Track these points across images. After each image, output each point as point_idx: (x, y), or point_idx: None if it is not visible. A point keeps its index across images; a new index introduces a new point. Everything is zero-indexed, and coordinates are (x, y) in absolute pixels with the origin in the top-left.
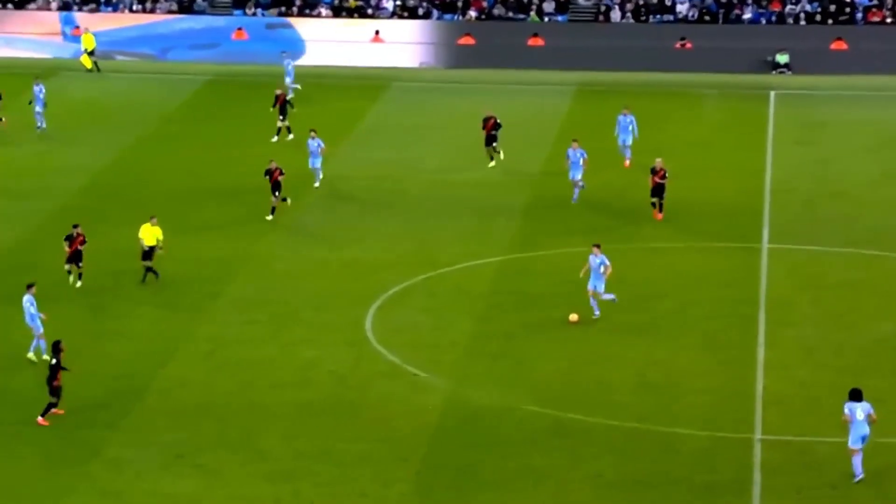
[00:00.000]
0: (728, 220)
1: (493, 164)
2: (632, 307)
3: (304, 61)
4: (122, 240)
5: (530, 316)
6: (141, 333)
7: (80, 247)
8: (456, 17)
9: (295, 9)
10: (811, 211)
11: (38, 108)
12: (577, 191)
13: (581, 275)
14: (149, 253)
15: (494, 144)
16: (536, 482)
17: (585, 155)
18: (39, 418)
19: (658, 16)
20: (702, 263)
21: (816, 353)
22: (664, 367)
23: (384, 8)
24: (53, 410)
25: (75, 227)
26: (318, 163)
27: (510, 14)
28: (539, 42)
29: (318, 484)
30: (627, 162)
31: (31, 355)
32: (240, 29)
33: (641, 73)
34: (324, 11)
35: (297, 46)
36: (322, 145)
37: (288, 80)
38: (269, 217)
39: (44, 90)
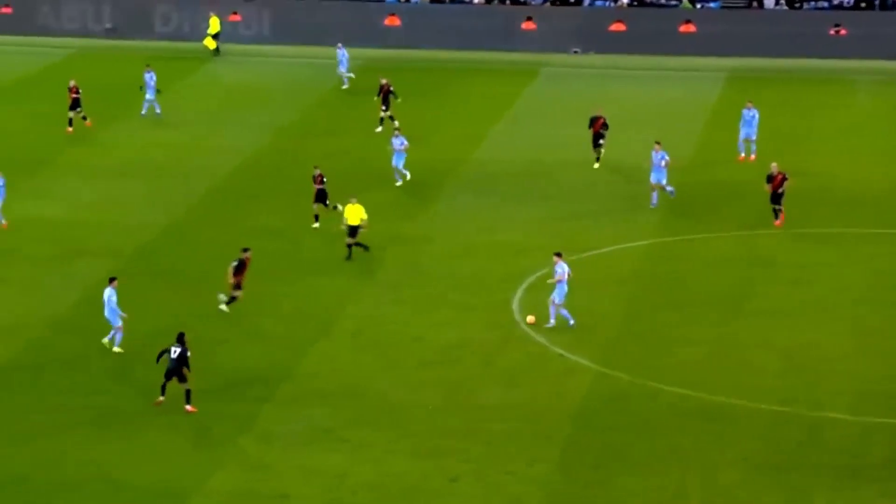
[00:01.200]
0: (881, 206)
1: (597, 165)
2: (780, 292)
3: (454, 46)
4: (272, 220)
5: (677, 299)
6: (291, 312)
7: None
8: (608, 3)
9: None
10: None
11: (148, 96)
12: (655, 194)
13: None
14: (354, 231)
15: (602, 142)
16: (682, 464)
17: (667, 157)
18: (187, 406)
19: (812, 2)
20: (852, 249)
21: None
22: (811, 351)
23: None
24: (161, 398)
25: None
26: (402, 162)
27: (662, 1)
28: (691, 28)
29: (463, 461)
30: (743, 156)
31: (115, 348)
32: (392, 15)
33: (794, 60)
34: None
35: (448, 32)
36: (405, 143)
37: (341, 69)
38: (316, 224)
39: (154, 77)
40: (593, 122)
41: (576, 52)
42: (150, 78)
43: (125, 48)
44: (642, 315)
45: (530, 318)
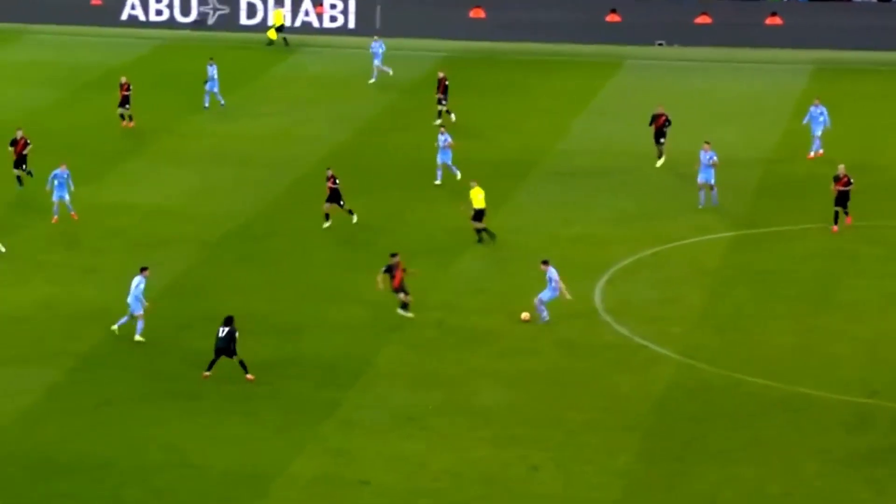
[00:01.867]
0: None
1: (661, 162)
2: (864, 284)
3: (539, 38)
4: (355, 209)
5: (760, 291)
6: (374, 301)
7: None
8: None
9: None
10: None
11: (211, 88)
12: (702, 193)
13: None
14: (479, 214)
15: (662, 141)
16: (763, 455)
17: (716, 157)
18: (247, 375)
19: None
20: None
21: None
22: None
23: None
24: (206, 373)
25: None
26: (449, 158)
27: None
28: (777, 21)
29: (544, 449)
30: (812, 153)
31: (115, 328)
32: (477, 7)
33: (883, 53)
34: None
35: (533, 24)
36: (449, 140)
37: (377, 62)
38: (327, 224)
39: (216, 70)
40: (655, 119)
41: (660, 44)
42: (213, 71)
43: (211, 39)
44: (725, 306)
45: (525, 315)
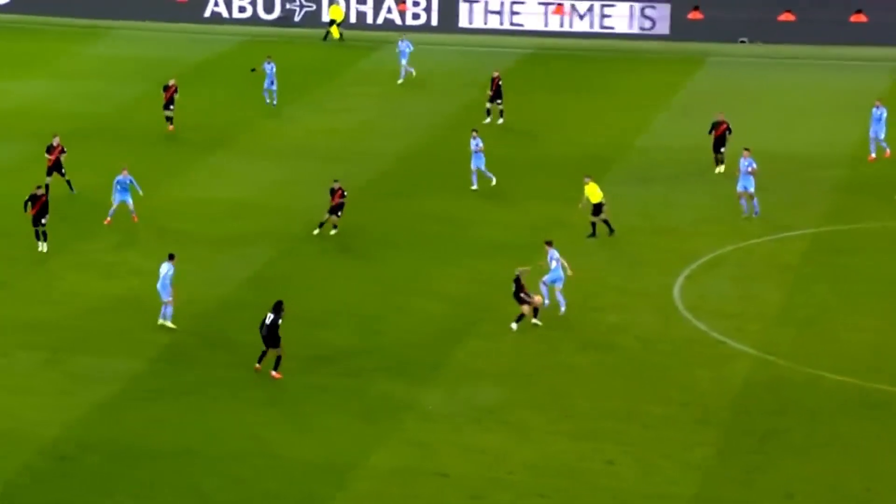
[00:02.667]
0: None
1: (720, 169)
2: None
3: (615, 32)
4: (437, 204)
5: (840, 288)
6: (455, 294)
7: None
8: None
9: None
10: None
11: (270, 86)
12: (743, 201)
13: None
14: (598, 208)
15: (723, 150)
16: (842, 451)
17: (755, 164)
18: (273, 372)
19: None
20: None
21: None
22: None
23: None
24: (257, 365)
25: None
26: (482, 163)
27: None
28: (862, 18)
29: (621, 443)
30: (873, 156)
31: (165, 322)
32: (559, 5)
33: None
34: None
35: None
36: (481, 144)
37: (403, 61)
38: (316, 231)
39: (274, 68)
40: (715, 126)
41: (743, 41)
42: (271, 68)
43: (296, 36)
44: (804, 302)
45: (537, 299)
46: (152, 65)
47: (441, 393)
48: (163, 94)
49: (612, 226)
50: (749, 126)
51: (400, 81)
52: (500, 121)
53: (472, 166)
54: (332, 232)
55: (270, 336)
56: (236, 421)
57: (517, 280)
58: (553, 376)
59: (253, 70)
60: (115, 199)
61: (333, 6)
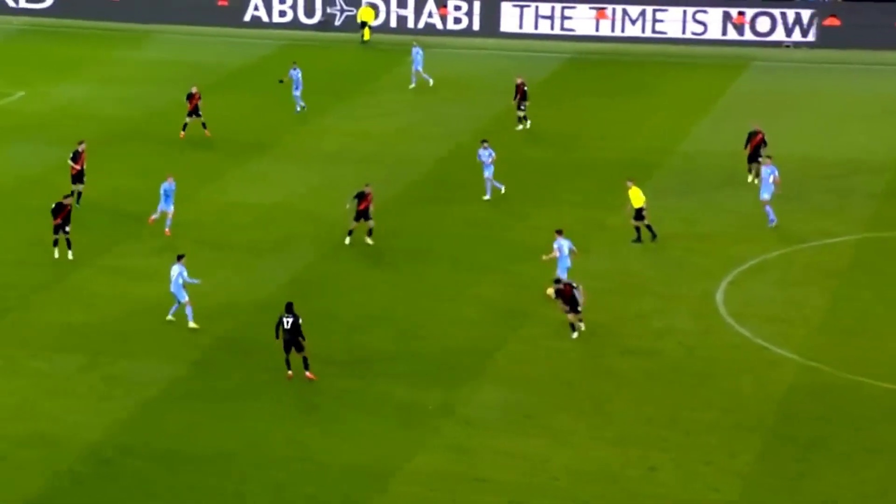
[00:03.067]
0: None
1: (752, 178)
2: None
3: (670, 36)
4: (475, 209)
5: (886, 294)
6: (494, 299)
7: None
8: None
9: None
10: None
11: (296, 91)
12: (769, 209)
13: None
14: (639, 213)
15: (760, 159)
16: (887, 459)
17: (776, 173)
18: (307, 373)
19: None
20: None
21: None
22: None
23: None
24: (289, 372)
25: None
26: (492, 173)
27: None
28: None
29: (664, 449)
30: None
31: (190, 323)
32: (602, 10)
33: None
34: None
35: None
36: (493, 155)
37: (417, 68)
38: (347, 241)
39: (300, 73)
40: (751, 137)
41: (787, 46)
42: (297, 74)
43: (336, 40)
44: (849, 309)
45: (549, 291)
46: (192, 69)
47: (480, 397)
48: (187, 103)
49: (655, 230)
50: (792, 130)
51: (412, 86)
52: (520, 127)
53: (485, 176)
54: (368, 241)
55: (295, 339)
56: (275, 425)
57: (571, 293)
58: (594, 382)
59: (281, 81)
60: (161, 206)
61: (364, 8)
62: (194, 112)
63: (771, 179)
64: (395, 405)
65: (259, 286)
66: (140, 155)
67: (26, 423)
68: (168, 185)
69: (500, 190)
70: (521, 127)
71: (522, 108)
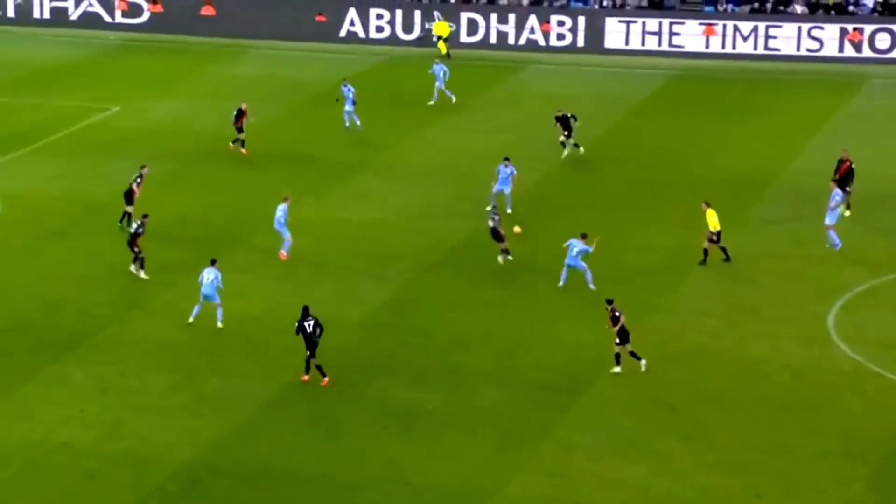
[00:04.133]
0: None
1: (848, 213)
2: None
3: (783, 53)
4: (574, 229)
5: None
6: (593, 321)
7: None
8: None
9: (769, 5)
10: None
11: (347, 108)
12: (832, 234)
13: None
14: (717, 236)
15: (848, 189)
16: None
17: (839, 197)
18: (325, 379)
19: None
20: None
21: None
22: None
23: (864, 5)
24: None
25: None
26: (508, 189)
27: None
28: None
29: (771, 477)
30: None
31: (218, 323)
32: (710, 26)
33: None
34: (798, 8)
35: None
36: (514, 172)
37: (440, 84)
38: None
39: (353, 90)
40: (840, 164)
41: None
42: (349, 91)
43: (432, 56)
44: None
45: (517, 229)
46: (288, 85)
47: (580, 421)
48: (236, 120)
49: (728, 253)
50: None
51: (431, 103)
52: (566, 153)
53: (496, 188)
54: (503, 260)
55: (316, 342)
56: (370, 446)
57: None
58: (698, 406)
59: (338, 100)
60: (277, 226)
61: (438, 22)
62: (240, 129)
63: (833, 204)
64: (492, 427)
65: (358, 303)
66: (232, 172)
67: (117, 441)
68: (284, 206)
69: (506, 210)
70: (566, 153)
71: (566, 133)
